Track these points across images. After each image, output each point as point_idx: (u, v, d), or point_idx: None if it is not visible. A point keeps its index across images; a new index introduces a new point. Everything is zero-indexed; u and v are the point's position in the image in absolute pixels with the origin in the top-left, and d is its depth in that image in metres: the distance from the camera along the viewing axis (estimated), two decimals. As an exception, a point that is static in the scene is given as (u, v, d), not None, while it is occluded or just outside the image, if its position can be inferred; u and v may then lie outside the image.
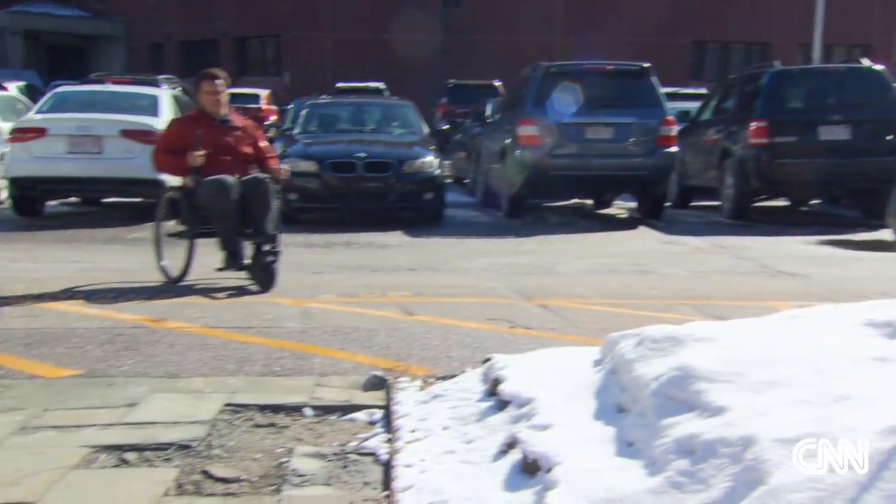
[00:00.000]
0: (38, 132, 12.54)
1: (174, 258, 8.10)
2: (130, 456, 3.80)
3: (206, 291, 7.75)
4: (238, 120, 8.53)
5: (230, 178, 7.80)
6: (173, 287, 7.88)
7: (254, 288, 7.79)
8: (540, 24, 39.83)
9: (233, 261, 7.90)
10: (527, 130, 13.01)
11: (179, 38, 47.51)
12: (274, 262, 7.85)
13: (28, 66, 43.75)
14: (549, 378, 3.94)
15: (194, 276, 8.03)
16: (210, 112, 8.24)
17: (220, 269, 7.92)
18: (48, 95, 14.71)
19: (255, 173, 8.20)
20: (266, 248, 7.83)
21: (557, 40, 38.14)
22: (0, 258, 9.68)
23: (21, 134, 12.73)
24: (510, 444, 3.35)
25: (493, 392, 4.09)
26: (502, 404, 3.88)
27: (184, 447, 3.89)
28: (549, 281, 8.63)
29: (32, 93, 24.68)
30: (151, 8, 48.59)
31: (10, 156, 12.97)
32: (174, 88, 16.15)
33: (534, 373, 4.08)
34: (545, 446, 3.07)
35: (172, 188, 8.51)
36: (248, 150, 8.31)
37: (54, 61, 47.29)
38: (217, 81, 8.25)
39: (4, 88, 21.47)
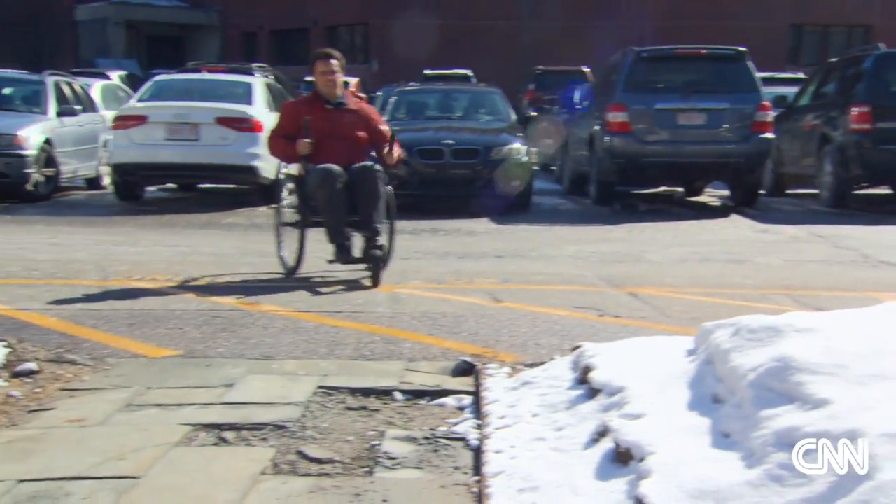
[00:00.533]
0: (139, 119, 12.84)
1: (290, 249, 7.83)
2: (229, 435, 3.87)
3: (306, 279, 7.76)
4: (353, 103, 7.98)
5: (335, 167, 7.33)
6: (266, 270, 7.98)
7: (367, 282, 7.46)
8: (632, 9, 39.23)
9: (340, 254, 7.43)
10: (617, 117, 12.81)
11: (271, 26, 48.07)
12: (378, 255, 7.40)
13: (128, 55, 44.84)
14: (640, 367, 3.89)
15: (311, 269, 7.85)
16: (324, 94, 7.77)
17: (331, 262, 7.48)
18: (148, 84, 15.04)
19: (366, 161, 7.66)
20: (373, 240, 7.37)
21: (649, 25, 37.51)
22: (104, 241, 9.93)
23: (123, 121, 13.07)
24: (601, 433, 3.32)
25: (584, 380, 4.05)
26: (593, 392, 3.85)
27: (279, 427, 3.95)
28: (638, 269, 8.54)
29: (133, 82, 25.26)
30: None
31: (112, 143, 13.36)
32: (267, 76, 16.37)
33: (625, 361, 4.04)
34: (638, 435, 3.04)
35: (288, 175, 8.24)
36: (362, 134, 7.76)
37: (153, 50, 48.30)
38: (332, 61, 7.75)
39: (108, 77, 22.04)
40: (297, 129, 7.54)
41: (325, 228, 7.56)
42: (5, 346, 4.91)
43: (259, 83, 14.35)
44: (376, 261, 7.38)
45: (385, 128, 8.02)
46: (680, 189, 15.47)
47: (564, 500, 2.92)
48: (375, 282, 7.36)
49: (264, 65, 24.10)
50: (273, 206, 8.44)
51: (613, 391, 3.65)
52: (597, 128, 13.33)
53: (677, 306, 6.79)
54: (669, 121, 12.85)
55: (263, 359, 5.16)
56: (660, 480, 2.68)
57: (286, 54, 45.64)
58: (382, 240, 7.55)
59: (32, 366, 4.75)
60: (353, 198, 7.44)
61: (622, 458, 3.03)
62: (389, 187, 7.78)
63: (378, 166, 7.59)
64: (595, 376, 3.92)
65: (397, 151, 7.87)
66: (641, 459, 2.87)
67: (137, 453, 3.59)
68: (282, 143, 7.74)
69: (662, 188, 15.50)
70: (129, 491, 3.24)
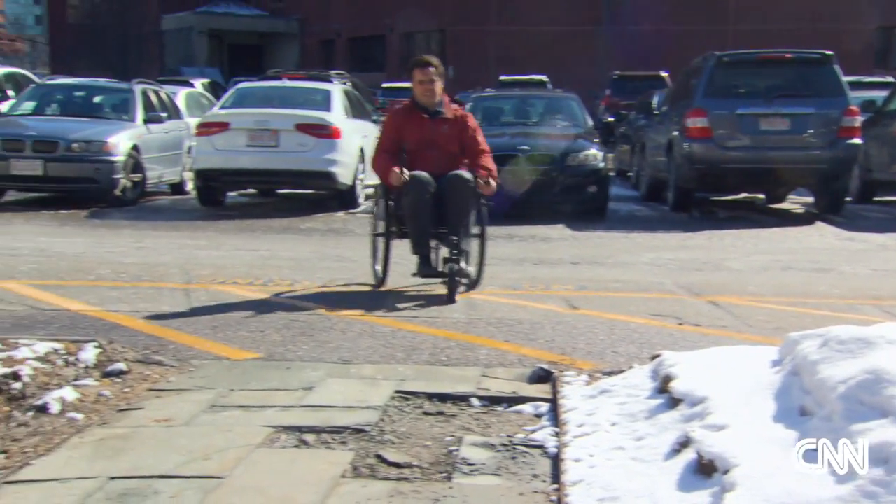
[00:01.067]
0: (222, 126, 13.02)
1: (383, 261, 7.58)
2: (309, 437, 3.90)
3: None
4: (452, 111, 7.57)
5: (424, 175, 7.06)
6: (344, 275, 8.01)
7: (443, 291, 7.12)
8: (711, 12, 38.71)
9: (421, 266, 7.15)
10: (697, 122, 12.56)
11: (349, 34, 48.52)
12: (456, 270, 7.01)
13: (211, 63, 45.71)
14: (723, 377, 3.82)
15: (391, 274, 7.62)
16: (422, 102, 7.45)
17: (414, 275, 7.22)
18: (231, 91, 15.28)
19: (459, 171, 7.29)
20: (454, 254, 7.04)
21: (730, 29, 37.00)
22: (187, 245, 10.09)
23: (206, 128, 13.28)
24: (683, 444, 3.26)
25: (664, 389, 4.00)
26: (673, 402, 3.79)
27: (358, 431, 3.97)
28: (718, 277, 8.41)
29: (215, 89, 25.71)
30: (323, 5, 49.83)
31: (196, 149, 13.59)
32: (345, 83, 16.49)
33: (707, 371, 3.97)
34: (722, 447, 2.98)
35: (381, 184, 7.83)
36: (455, 145, 7.44)
37: (234, 58, 49.20)
38: (429, 69, 7.40)
39: (192, 85, 22.45)
40: (400, 140, 7.40)
41: (409, 238, 7.30)
42: (96, 347, 5.02)
43: (337, 90, 14.47)
44: (452, 276, 7.03)
45: (481, 139, 7.61)
46: (761, 196, 15.10)
47: (646, 511, 2.88)
48: (450, 298, 7.01)
49: (342, 72, 24.33)
50: (361, 212, 8.87)
51: (696, 401, 3.59)
52: (675, 133, 13.13)
53: (760, 315, 6.66)
54: (752, 126, 12.52)
55: (342, 363, 5.18)
56: (745, 493, 2.63)
57: (363, 61, 46.07)
58: (471, 263, 7.31)
59: (122, 366, 4.86)
60: (441, 208, 7.14)
61: (705, 470, 2.98)
62: (484, 199, 7.50)
63: (470, 176, 7.24)
64: (676, 386, 3.86)
65: (490, 166, 7.41)
66: (726, 471, 2.82)
67: (222, 454, 3.66)
68: (383, 161, 7.39)
69: (743, 195, 15.16)
70: (214, 490, 3.30)
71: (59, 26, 61.51)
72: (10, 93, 16.95)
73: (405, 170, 7.10)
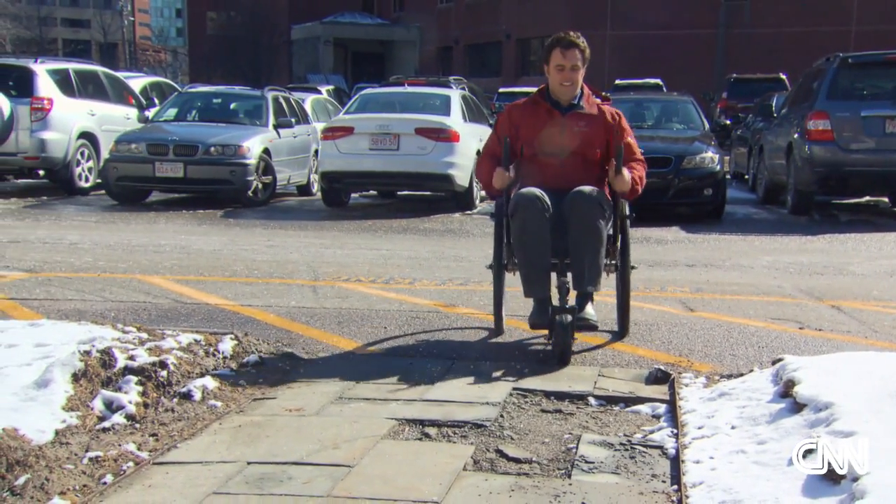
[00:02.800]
0: (347, 131, 13.24)
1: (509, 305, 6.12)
2: (431, 430, 3.94)
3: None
4: (593, 106, 5.66)
5: (537, 192, 5.30)
6: (461, 274, 8.02)
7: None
8: (834, 14, 37.48)
9: (536, 313, 5.37)
10: (818, 124, 12.14)
11: (466, 40, 48.76)
12: (568, 323, 5.02)
13: (335, 70, 46.52)
14: (849, 383, 3.68)
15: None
16: (555, 94, 5.60)
17: (532, 326, 5.48)
18: (355, 97, 15.55)
19: (586, 186, 5.35)
20: (577, 296, 5.33)
21: (853, 30, 35.80)
22: (314, 244, 10.24)
23: (331, 133, 13.51)
24: (808, 450, 3.15)
25: (786, 394, 3.87)
26: (797, 407, 3.67)
27: (478, 426, 3.98)
28: (840, 281, 8.10)
29: (339, 95, 26.14)
30: (441, 14, 50.23)
31: (321, 152, 13.85)
32: (463, 88, 16.55)
33: (831, 377, 3.83)
34: (850, 454, 2.87)
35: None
36: (593, 150, 5.58)
37: (357, 65, 50.04)
38: (574, 52, 5.48)
39: (318, 91, 22.87)
40: (514, 142, 5.59)
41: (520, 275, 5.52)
42: (233, 339, 5.15)
43: (456, 95, 14.53)
44: (565, 330, 5.03)
45: (634, 144, 5.74)
46: (885, 199, 14.52)
47: (769, 516, 2.79)
48: (561, 358, 5.11)
49: (460, 77, 24.47)
50: (477, 213, 8.38)
51: (821, 407, 3.47)
52: (796, 136, 12.71)
53: (887, 321, 6.40)
54: (877, 128, 12.00)
55: (460, 359, 5.18)
56: (877, 502, 2.52)
57: (480, 67, 46.24)
58: (589, 312, 5.37)
59: (256, 358, 4.98)
60: (564, 237, 5.36)
61: (832, 477, 2.87)
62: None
63: (597, 193, 5.36)
64: (800, 390, 3.73)
65: (636, 173, 5.56)
66: (855, 479, 2.71)
67: (350, 444, 3.72)
68: (486, 167, 5.70)
69: (866, 198, 14.61)
70: (344, 479, 3.36)
71: (198, 38, 63.65)
72: (156, 100, 17.58)
73: (512, 173, 5.56)
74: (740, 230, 11.73)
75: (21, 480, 3.22)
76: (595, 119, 5.59)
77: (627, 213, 5.72)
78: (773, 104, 16.06)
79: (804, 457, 3.12)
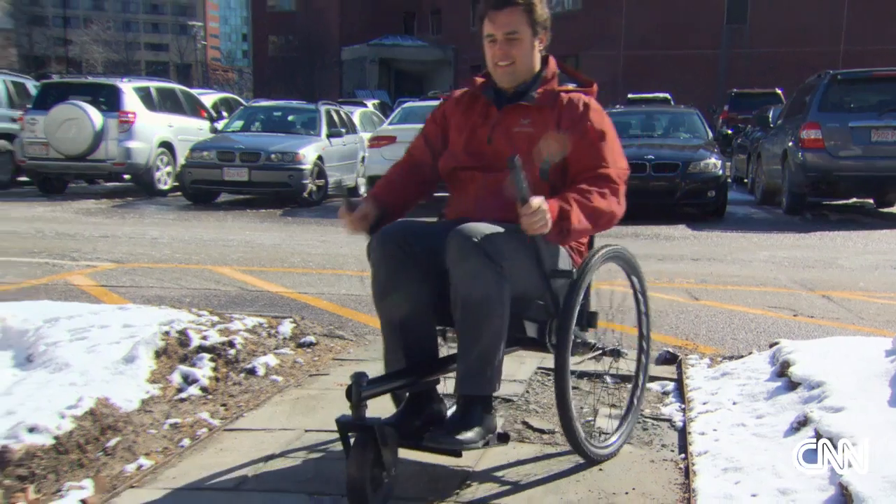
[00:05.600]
0: (390, 140, 13.25)
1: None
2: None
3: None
4: (548, 96, 3.16)
5: (397, 229, 3.05)
6: None
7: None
8: (824, 36, 37.03)
9: (399, 415, 3.06)
10: (810, 134, 12.02)
11: (493, 59, 48.57)
12: (445, 441, 2.78)
13: (380, 87, 46.63)
14: (839, 364, 3.64)
15: None
16: (496, 80, 3.21)
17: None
18: (398, 110, 15.58)
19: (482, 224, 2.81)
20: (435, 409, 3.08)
21: (842, 50, 35.34)
22: (361, 240, 10.03)
23: (377, 141, 13.59)
24: (802, 422, 3.12)
25: (782, 374, 3.84)
26: (792, 385, 3.64)
27: (507, 400, 3.96)
28: (830, 274, 8.00)
29: (384, 108, 26.19)
30: (473, 36, 49.79)
31: (368, 159, 13.93)
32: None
33: (823, 358, 3.79)
34: (839, 427, 2.83)
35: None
36: (539, 162, 3.06)
37: (399, 82, 50.08)
38: (508, 13, 3.07)
39: (365, 105, 22.94)
40: (434, 152, 3.29)
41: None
42: (291, 322, 5.17)
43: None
44: (359, 460, 2.61)
45: (606, 149, 3.11)
46: (870, 201, 14.36)
47: (767, 481, 2.77)
48: None
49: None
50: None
51: (813, 385, 3.44)
52: (791, 144, 12.57)
53: (871, 309, 6.32)
54: (863, 137, 11.86)
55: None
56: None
57: (509, 83, 46.06)
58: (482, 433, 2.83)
59: (311, 339, 4.98)
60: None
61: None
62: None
63: (501, 235, 2.81)
64: (795, 370, 3.70)
65: (585, 201, 2.91)
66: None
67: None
68: (383, 179, 3.40)
69: (853, 200, 14.45)
70: (387, 448, 3.35)
71: (261, 59, 64.10)
72: (224, 113, 17.74)
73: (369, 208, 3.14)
74: (740, 228, 11.63)
75: (112, 442, 3.27)
76: (545, 114, 3.06)
77: (570, 269, 3.06)
78: (770, 116, 15.90)
79: (798, 429, 3.10)
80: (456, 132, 3.19)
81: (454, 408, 2.98)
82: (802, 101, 13.19)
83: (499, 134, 3.06)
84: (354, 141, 16.14)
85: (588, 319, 3.21)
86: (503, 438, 2.90)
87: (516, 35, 3.02)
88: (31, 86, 16.45)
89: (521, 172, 2.59)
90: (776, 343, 4.38)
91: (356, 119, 17.83)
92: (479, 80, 3.22)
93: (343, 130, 15.61)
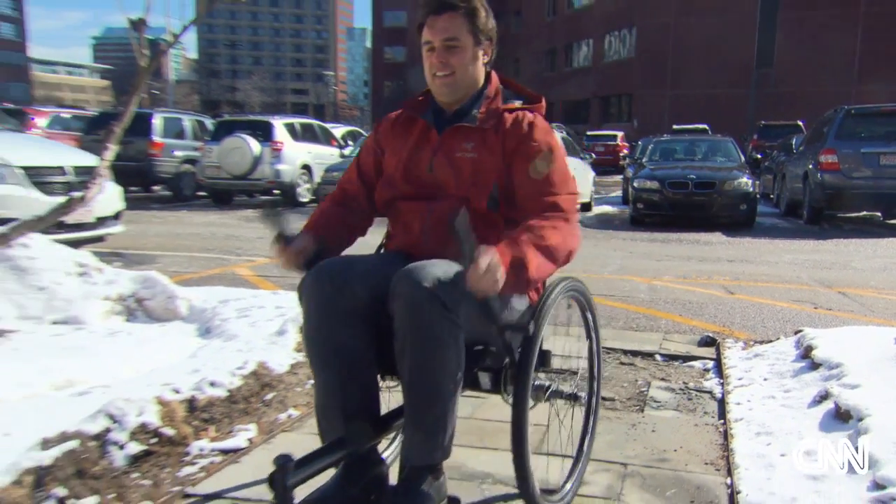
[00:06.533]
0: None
1: None
2: (541, 375, 3.87)
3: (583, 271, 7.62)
4: (493, 116, 2.18)
5: (334, 267, 2.03)
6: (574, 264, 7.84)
7: None
8: (839, 77, 35.46)
9: (338, 479, 2.00)
10: (828, 158, 11.50)
11: (564, 98, 48.14)
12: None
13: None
14: (854, 349, 3.48)
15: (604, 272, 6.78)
16: (435, 94, 2.25)
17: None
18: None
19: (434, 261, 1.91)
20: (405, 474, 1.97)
21: (853, 89, 33.75)
22: None
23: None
24: (823, 396, 2.99)
25: (806, 356, 3.69)
26: (814, 365, 3.49)
27: (574, 373, 3.89)
28: (845, 274, 7.61)
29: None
30: (546, 80, 49.63)
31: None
32: (562, 132, 16.29)
33: (841, 344, 3.63)
34: (856, 400, 2.71)
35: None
36: (483, 191, 2.11)
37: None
38: (447, 19, 2.13)
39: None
40: (370, 179, 2.36)
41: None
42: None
43: (560, 136, 14.31)
44: None
45: (555, 174, 2.12)
46: (878, 214, 13.67)
47: (794, 444, 2.66)
48: None
49: (560, 124, 24.08)
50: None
51: (833, 366, 3.30)
52: (811, 166, 12.04)
53: (881, 304, 6.00)
54: (873, 162, 11.28)
55: (560, 324, 5.08)
56: (878, 437, 2.38)
57: (574, 117, 45.51)
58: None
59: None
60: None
61: (842, 417, 2.72)
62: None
63: (451, 279, 1.86)
64: (816, 353, 3.56)
65: (535, 239, 1.97)
66: (860, 419, 2.56)
67: (484, 383, 3.68)
68: (317, 210, 2.40)
69: (864, 213, 13.78)
70: (480, 406, 3.32)
71: (378, 99, 65.47)
72: (350, 142, 18.01)
73: (311, 236, 2.22)
74: (768, 235, 11.18)
75: (269, 396, 3.35)
76: (489, 136, 2.20)
77: (525, 307, 2.26)
78: (793, 143, 15.28)
79: (820, 402, 2.98)
80: (393, 158, 2.26)
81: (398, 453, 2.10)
82: (821, 131, 12.63)
83: (440, 160, 2.16)
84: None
85: (541, 360, 2.24)
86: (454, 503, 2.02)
87: (456, 42, 2.13)
88: (209, 123, 17.04)
89: (467, 232, 1.75)
90: (800, 330, 4.21)
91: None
92: (419, 99, 2.33)
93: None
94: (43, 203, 5.51)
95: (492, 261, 1.78)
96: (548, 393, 2.32)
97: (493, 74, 2.29)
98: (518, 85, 2.36)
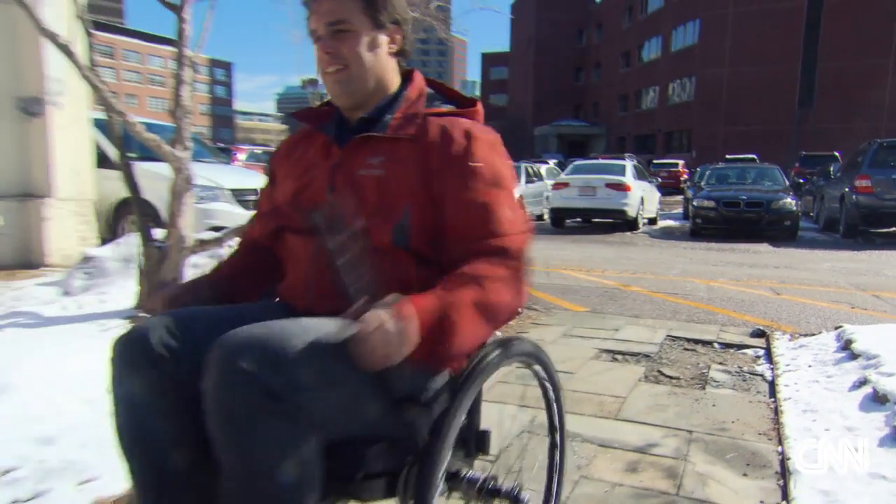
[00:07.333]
0: (565, 185, 12.98)
1: None
2: (618, 356, 3.79)
3: (653, 272, 7.35)
4: (413, 123, 1.19)
5: (149, 329, 0.99)
6: (632, 267, 7.61)
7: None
8: (872, 112, 32.57)
9: None
10: (863, 182, 10.63)
11: (634, 132, 46.78)
12: None
13: (558, 151, 46.03)
14: (889, 342, 3.21)
15: (666, 273, 6.95)
16: (329, 93, 1.19)
17: None
18: (570, 165, 15.26)
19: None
20: None
21: (884, 126, 30.87)
22: (547, 248, 10.04)
23: (556, 186, 13.31)
24: (862, 382, 2.78)
25: (846, 348, 3.43)
26: (854, 356, 3.24)
27: (646, 356, 3.80)
28: (878, 280, 6.98)
29: (560, 166, 25.82)
30: (620, 118, 48.50)
31: (552, 196, 13.69)
32: (632, 161, 15.80)
33: (877, 338, 3.36)
34: (892, 386, 2.51)
35: None
36: (386, 222, 1.11)
37: (570, 148, 49.13)
38: (324, 4, 1.10)
39: (547, 163, 22.64)
40: (265, 224, 1.33)
41: None
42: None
43: (629, 164, 13.85)
44: None
45: (491, 199, 1.15)
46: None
47: (836, 421, 2.50)
48: None
49: (631, 154, 23.41)
50: (640, 233, 6.96)
51: (870, 356, 3.06)
52: (847, 189, 11.15)
53: (912, 306, 5.50)
54: None
55: (634, 316, 4.96)
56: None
57: (642, 148, 44.05)
58: None
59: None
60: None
61: (880, 400, 2.53)
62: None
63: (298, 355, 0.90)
64: (856, 346, 3.31)
65: (498, 298, 1.08)
66: (898, 403, 2.37)
67: (571, 361, 3.65)
68: (217, 265, 1.35)
69: (894, 228, 12.57)
70: (570, 379, 3.30)
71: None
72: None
73: (193, 289, 1.23)
74: (809, 246, 10.41)
75: None
76: (404, 148, 1.19)
77: (436, 387, 1.12)
78: (832, 170, 14.15)
79: (859, 387, 2.77)
80: (285, 182, 1.35)
81: None
82: (856, 160, 11.66)
83: (340, 180, 1.24)
84: (542, 186, 15.95)
85: (477, 443, 1.34)
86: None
87: (346, 26, 1.21)
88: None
89: (354, 263, 1.00)
90: (840, 326, 3.92)
91: (543, 172, 17.59)
92: (324, 109, 1.36)
93: (535, 179, 15.50)
94: (244, 215, 5.93)
95: (390, 321, 0.94)
96: (483, 489, 1.25)
97: (417, 74, 1.32)
98: (450, 88, 1.35)
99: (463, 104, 1.30)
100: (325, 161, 1.24)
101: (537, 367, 1.46)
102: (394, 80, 1.27)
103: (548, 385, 1.50)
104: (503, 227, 1.15)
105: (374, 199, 1.16)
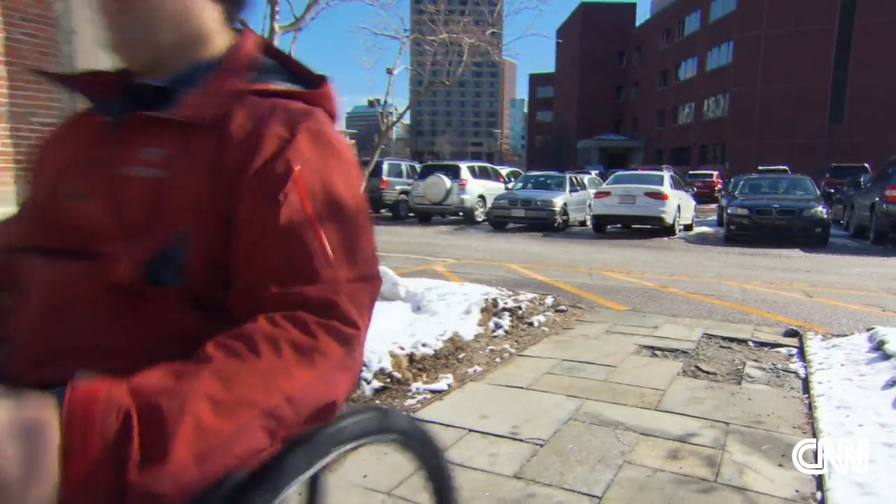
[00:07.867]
0: (606, 194, 12.65)
1: None
2: (658, 352, 3.69)
3: (690, 275, 7.11)
4: (211, 102, 0.55)
5: None
6: (669, 269, 7.37)
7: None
8: (893, 125, 30.37)
9: None
10: (893, 193, 9.91)
11: (671, 146, 45.27)
12: None
13: (600, 163, 45.09)
14: (926, 348, 3.01)
15: (702, 275, 6.64)
16: (109, 47, 0.52)
17: None
18: (611, 177, 14.86)
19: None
20: None
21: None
22: (588, 251, 9.84)
23: (599, 195, 12.97)
24: (894, 381, 2.62)
25: (878, 348, 3.24)
26: (886, 356, 3.06)
27: (684, 352, 3.69)
28: (911, 285, 6.55)
29: (602, 177, 25.27)
30: (657, 133, 47.06)
31: (593, 204, 13.40)
32: (670, 171, 15.26)
33: (912, 342, 3.15)
34: (929, 390, 2.36)
35: None
36: (152, 240, 0.51)
37: (611, 160, 48.05)
38: None
39: (590, 173, 22.25)
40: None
41: None
42: (552, 297, 5.12)
43: (666, 174, 13.37)
44: None
45: (313, 234, 0.56)
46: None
47: (869, 417, 2.36)
48: None
49: (668, 165, 22.67)
50: (677, 238, 6.81)
51: (905, 359, 2.87)
52: (877, 199, 10.44)
53: (945, 311, 5.09)
54: None
55: (672, 315, 4.81)
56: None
57: (678, 160, 42.62)
58: None
59: (563, 307, 4.88)
60: None
61: (915, 401, 2.38)
62: None
63: None
64: (888, 347, 3.12)
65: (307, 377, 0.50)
66: (933, 405, 2.22)
67: (614, 355, 3.58)
68: None
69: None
70: (612, 372, 3.24)
71: (532, 149, 65.36)
72: (512, 179, 18.01)
73: None
74: (839, 252, 9.80)
75: (461, 356, 3.42)
76: (198, 137, 0.57)
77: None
78: (862, 181, 13.28)
79: (892, 385, 2.61)
80: (39, 178, 0.71)
81: None
82: (886, 172, 10.89)
83: (96, 178, 0.63)
84: (585, 195, 15.64)
85: None
86: None
87: None
88: (417, 167, 17.81)
89: None
90: (872, 328, 3.70)
91: (586, 181, 17.24)
92: (114, 73, 0.72)
93: (578, 188, 15.18)
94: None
95: (5, 426, 0.45)
96: None
97: (251, 34, 0.78)
98: (298, 63, 0.78)
99: (308, 83, 0.75)
100: (88, 151, 0.69)
101: (415, 449, 0.81)
102: (213, 39, 0.72)
103: (434, 475, 0.85)
104: (320, 273, 0.62)
105: (138, 213, 0.63)
